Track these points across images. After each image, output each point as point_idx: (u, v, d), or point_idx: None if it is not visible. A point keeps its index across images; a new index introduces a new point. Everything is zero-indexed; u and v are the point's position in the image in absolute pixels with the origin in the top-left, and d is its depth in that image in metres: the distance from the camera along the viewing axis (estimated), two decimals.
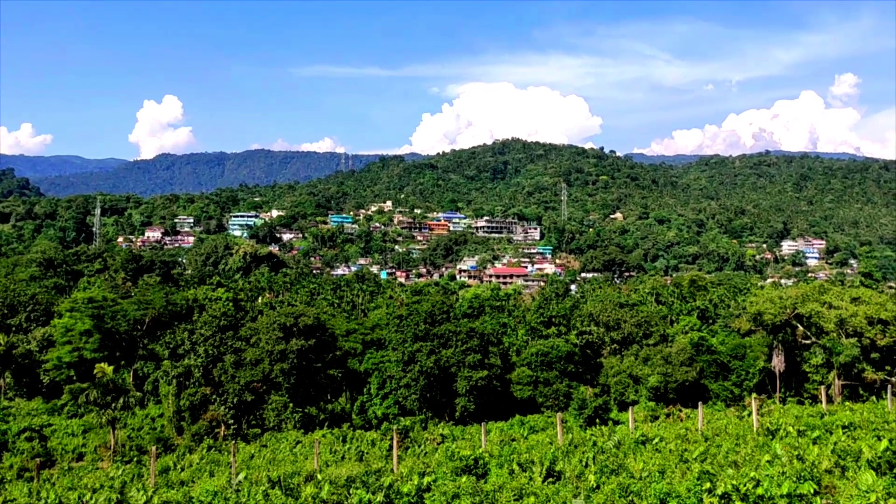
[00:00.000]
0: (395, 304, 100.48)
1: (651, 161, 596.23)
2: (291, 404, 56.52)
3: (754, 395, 43.61)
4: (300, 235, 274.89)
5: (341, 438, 42.24)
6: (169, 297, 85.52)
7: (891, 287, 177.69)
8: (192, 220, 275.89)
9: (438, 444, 35.00)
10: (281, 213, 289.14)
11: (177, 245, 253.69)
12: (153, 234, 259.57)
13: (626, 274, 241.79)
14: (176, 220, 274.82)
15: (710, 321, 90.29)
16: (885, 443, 16.72)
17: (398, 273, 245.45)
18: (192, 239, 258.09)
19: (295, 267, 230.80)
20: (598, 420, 43.36)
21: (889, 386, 38.94)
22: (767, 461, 17.14)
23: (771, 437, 23.51)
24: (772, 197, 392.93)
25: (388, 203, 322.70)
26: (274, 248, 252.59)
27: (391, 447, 29.44)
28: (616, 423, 42.70)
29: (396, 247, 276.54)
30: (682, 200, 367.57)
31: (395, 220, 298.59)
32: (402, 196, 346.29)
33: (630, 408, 33.16)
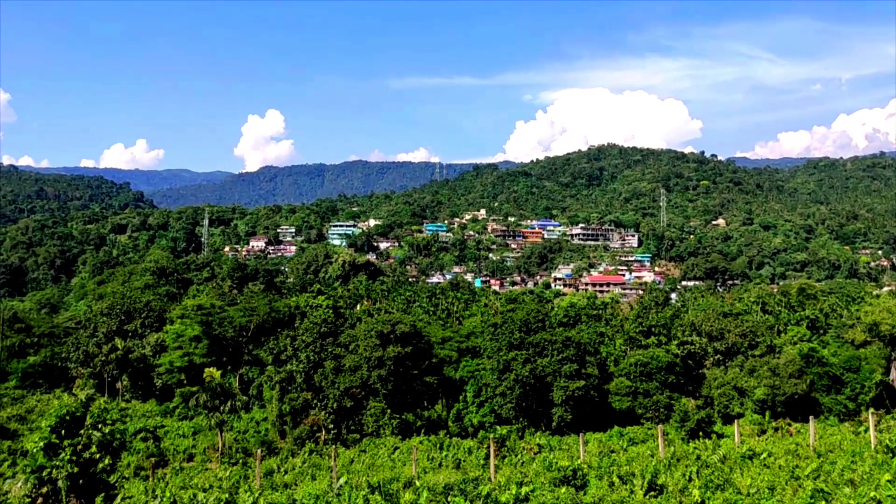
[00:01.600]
0: (489, 312, 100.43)
1: (755, 165, 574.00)
2: (389, 410, 57.35)
3: (871, 409, 41.15)
4: (396, 244, 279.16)
5: (438, 445, 42.48)
6: (272, 305, 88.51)
7: None
8: (293, 230, 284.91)
9: (535, 453, 34.71)
10: (378, 223, 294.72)
11: (279, 254, 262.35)
12: (257, 244, 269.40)
13: (730, 282, 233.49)
14: (279, 230, 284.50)
15: (821, 332, 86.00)
16: None
17: (492, 281, 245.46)
18: (293, 248, 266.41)
19: (391, 275, 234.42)
20: (700, 433, 41.93)
21: None
22: (888, 480, 16.14)
23: (891, 455, 22.13)
24: (887, 201, 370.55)
25: (482, 211, 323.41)
26: (371, 257, 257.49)
27: (488, 455, 29.38)
28: (720, 436, 41.19)
29: (490, 255, 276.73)
30: (789, 205, 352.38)
31: (489, 229, 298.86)
32: (496, 204, 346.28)
33: (735, 421, 31.97)
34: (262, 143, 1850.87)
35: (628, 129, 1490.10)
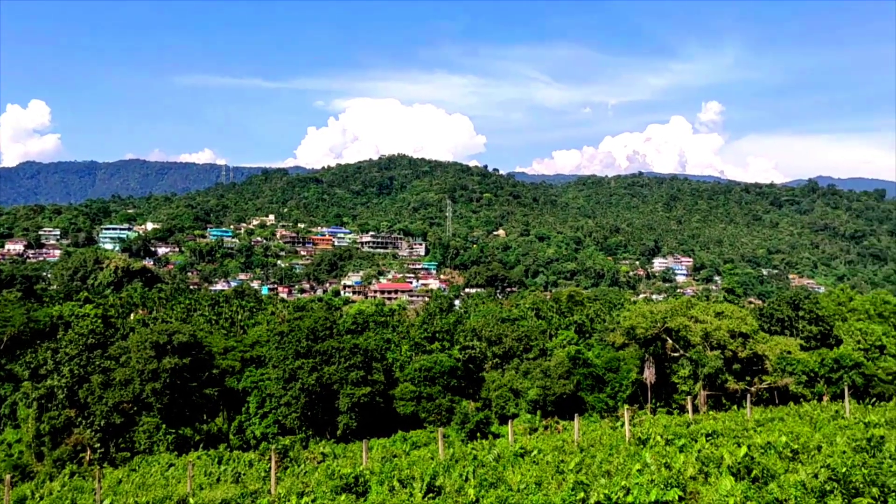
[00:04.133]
0: (276, 321, 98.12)
1: (532, 180, 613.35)
2: (164, 425, 54.03)
3: (627, 406, 45.36)
4: (177, 249, 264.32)
5: (217, 460, 40.65)
6: (31, 314, 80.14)
7: (751, 302, 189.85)
8: (58, 233, 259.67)
9: (319, 462, 34.34)
10: (157, 227, 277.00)
11: (41, 259, 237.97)
12: (14, 247, 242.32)
13: (508, 289, 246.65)
14: (41, 233, 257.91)
15: (587, 335, 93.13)
16: (743, 449, 17.72)
17: (280, 289, 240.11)
18: (58, 252, 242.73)
19: (171, 282, 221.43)
20: (479, 434, 43.81)
21: (748, 395, 41.46)
22: (638, 470, 17.78)
23: (642, 446, 24.45)
24: (644, 216, 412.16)
25: (271, 217, 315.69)
26: (148, 263, 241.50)
27: (269, 467, 28.60)
28: (497, 436, 43.30)
29: (279, 262, 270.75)
30: (562, 218, 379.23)
31: (278, 235, 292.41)
32: (286, 210, 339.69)
33: (510, 421, 33.72)
34: (22, 135, 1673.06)
35: (418, 140, 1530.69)
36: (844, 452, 17.58)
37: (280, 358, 61.95)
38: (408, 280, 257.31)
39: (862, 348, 67.43)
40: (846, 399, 36.14)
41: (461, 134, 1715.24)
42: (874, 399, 47.32)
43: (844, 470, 13.94)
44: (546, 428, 43.88)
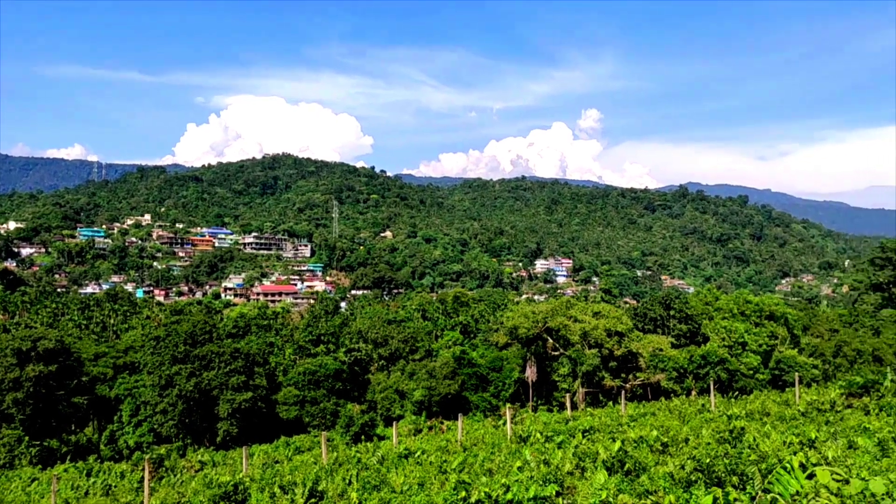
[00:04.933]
0: (151, 325, 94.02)
1: (419, 182, 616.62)
2: (27, 438, 50.61)
3: (509, 405, 46.32)
4: (43, 250, 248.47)
5: (86, 472, 38.45)
6: None
7: (626, 302, 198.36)
8: None
9: (197, 471, 33.14)
10: (20, 226, 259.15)
11: None
12: None
13: (395, 291, 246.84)
14: None
15: (472, 335, 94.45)
16: (618, 444, 18.44)
17: (157, 291, 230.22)
18: None
19: (36, 285, 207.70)
20: (363, 437, 43.55)
21: (623, 392, 43.22)
22: (518, 467, 18.16)
23: (523, 443, 25.01)
24: (527, 219, 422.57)
25: (147, 216, 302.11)
26: (10, 264, 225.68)
27: (143, 478, 27.33)
28: (382, 438, 43.17)
29: (155, 263, 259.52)
30: (448, 220, 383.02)
31: (155, 235, 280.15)
32: (163, 209, 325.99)
33: (395, 423, 33.71)
34: None
35: (303, 140, 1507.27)
36: (709, 444, 18.58)
37: (156, 364, 59.35)
38: (292, 282, 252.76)
39: (726, 345, 71.64)
40: (712, 393, 38.30)
41: (348, 134, 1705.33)
42: (737, 393, 50.41)
43: (708, 461, 14.75)
44: (431, 428, 44.16)
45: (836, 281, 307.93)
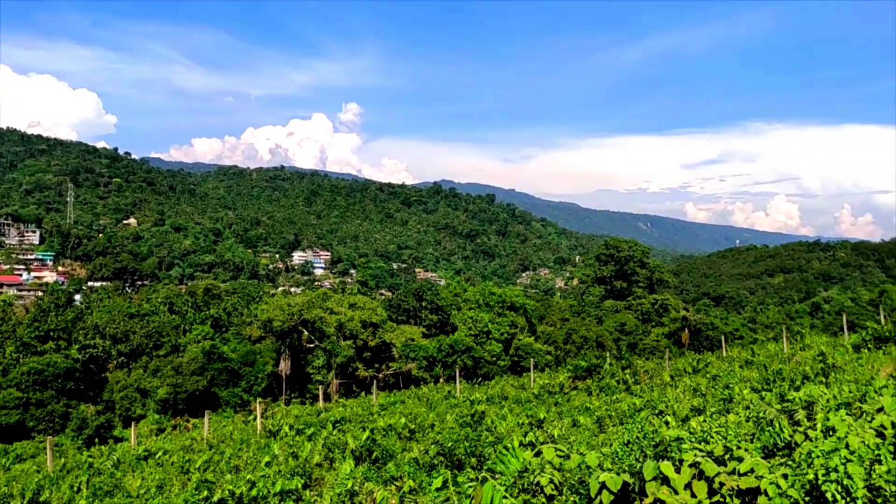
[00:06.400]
0: None
1: (170, 167, 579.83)
2: None
3: (260, 399, 45.30)
4: None
5: None
6: None
7: (382, 294, 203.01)
8: None
9: None
10: None
11: None
12: None
13: (139, 283, 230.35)
14: None
15: (224, 329, 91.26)
16: (367, 433, 18.76)
17: None
18: None
19: None
20: (98, 440, 40.17)
21: (376, 381, 44.15)
22: (266, 462, 17.79)
23: (272, 438, 24.58)
24: (285, 210, 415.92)
25: None
26: None
27: None
28: (119, 440, 40.13)
29: None
30: (201, 209, 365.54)
31: None
32: None
33: (133, 423, 31.54)
34: None
35: (33, 114, 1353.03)
36: (452, 428, 19.54)
37: None
38: (17, 272, 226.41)
39: (473, 334, 75.99)
40: (458, 380, 40.41)
41: (87, 111, 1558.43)
42: (480, 379, 53.68)
43: (450, 444, 15.50)
44: (175, 427, 41.90)
45: (568, 275, 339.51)
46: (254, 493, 13.65)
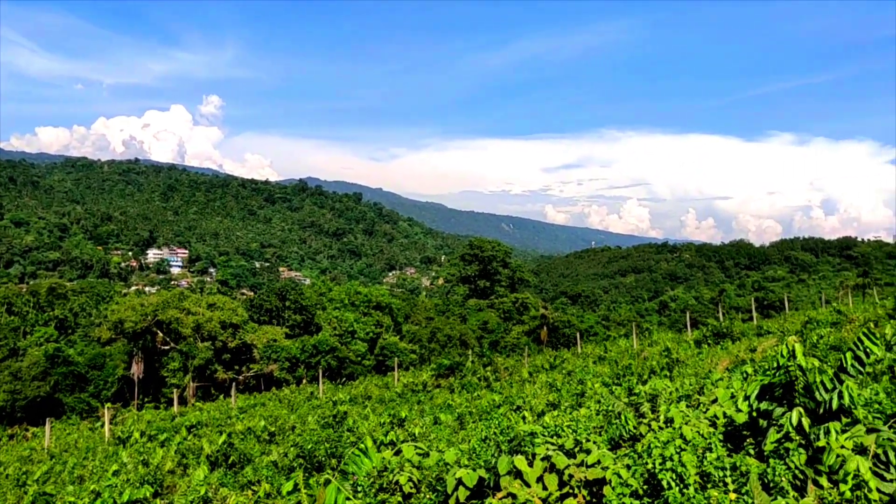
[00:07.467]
0: None
1: (10, 157, 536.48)
2: None
3: (109, 404, 42.90)
4: None
5: None
6: None
7: (243, 293, 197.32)
8: None
9: None
10: None
11: None
12: None
13: None
14: None
15: (70, 331, 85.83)
16: (224, 437, 18.18)
17: None
18: None
19: None
20: None
21: (235, 384, 42.88)
22: (114, 471, 16.87)
23: (122, 445, 23.32)
24: (140, 205, 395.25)
25: None
26: None
27: None
28: None
29: None
30: (45, 203, 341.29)
31: None
32: None
33: None
34: None
35: None
36: (314, 430, 19.29)
37: None
38: None
39: (338, 334, 75.29)
40: (321, 381, 39.95)
41: None
42: (345, 379, 53.35)
43: (310, 446, 15.30)
44: (12, 437, 38.91)
45: (434, 274, 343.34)
46: (99, 503, 12.91)
